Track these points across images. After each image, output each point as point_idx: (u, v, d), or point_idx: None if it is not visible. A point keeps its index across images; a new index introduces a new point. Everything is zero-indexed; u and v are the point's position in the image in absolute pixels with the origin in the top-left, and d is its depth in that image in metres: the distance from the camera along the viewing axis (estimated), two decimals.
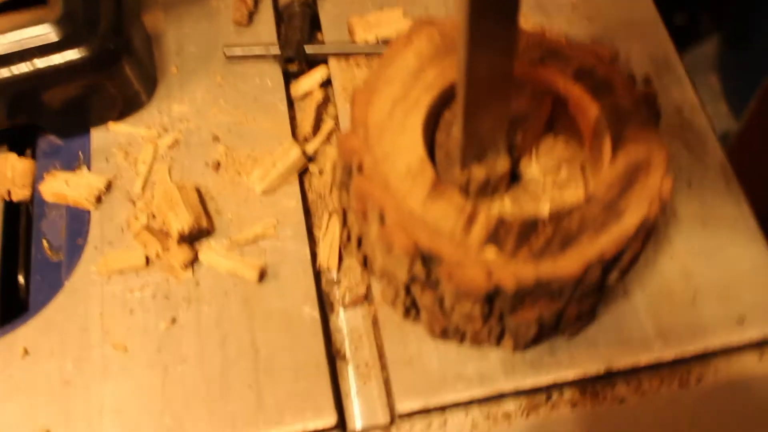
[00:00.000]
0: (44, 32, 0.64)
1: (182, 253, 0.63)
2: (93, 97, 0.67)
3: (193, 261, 0.63)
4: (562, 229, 0.50)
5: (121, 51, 0.66)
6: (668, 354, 0.59)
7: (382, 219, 0.51)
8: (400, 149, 0.53)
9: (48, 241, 0.65)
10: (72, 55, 0.64)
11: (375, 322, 0.62)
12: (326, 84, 0.72)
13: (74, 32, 0.64)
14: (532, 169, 0.59)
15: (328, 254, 0.64)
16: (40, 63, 0.64)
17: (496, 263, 0.49)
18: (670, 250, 0.63)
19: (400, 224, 0.50)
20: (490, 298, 0.50)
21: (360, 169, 0.52)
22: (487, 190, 0.56)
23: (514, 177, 0.59)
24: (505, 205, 0.57)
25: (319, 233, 0.65)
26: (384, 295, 0.60)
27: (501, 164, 0.55)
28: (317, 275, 0.63)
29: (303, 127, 0.69)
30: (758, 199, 0.65)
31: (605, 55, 0.57)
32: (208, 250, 0.63)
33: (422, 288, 0.53)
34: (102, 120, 0.70)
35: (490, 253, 0.49)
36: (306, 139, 0.69)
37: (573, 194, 0.57)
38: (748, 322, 0.60)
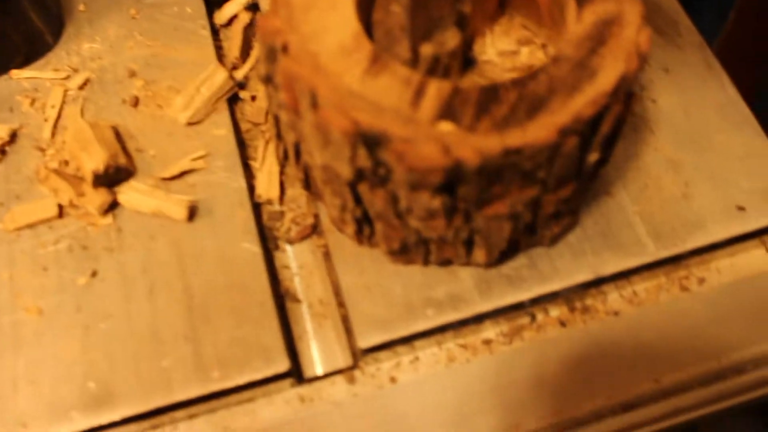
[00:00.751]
0: None
1: (99, 197, 0.54)
2: None
3: (113, 205, 0.55)
4: (528, 94, 0.43)
5: None
6: (663, 253, 0.51)
7: (315, 103, 0.43)
8: (331, 26, 0.46)
9: None
10: None
11: (326, 255, 0.54)
12: (253, 8, 0.65)
13: None
14: (488, 52, 0.52)
15: (267, 184, 0.56)
16: None
17: (454, 136, 0.41)
18: (653, 141, 0.55)
19: (336, 104, 0.42)
20: (451, 184, 0.42)
21: (285, 50, 0.45)
22: (438, 70, 0.48)
23: (468, 62, 0.51)
24: None
25: (255, 164, 0.57)
26: (331, 215, 0.52)
27: (450, 38, 0.48)
28: (256, 208, 0.55)
29: (231, 54, 0.62)
30: None
31: None
32: (129, 191, 0.55)
33: (371, 187, 0.45)
34: (4, 68, 0.62)
35: (446, 126, 0.41)
36: (235, 67, 0.62)
37: None
38: (749, 211, 0.53)
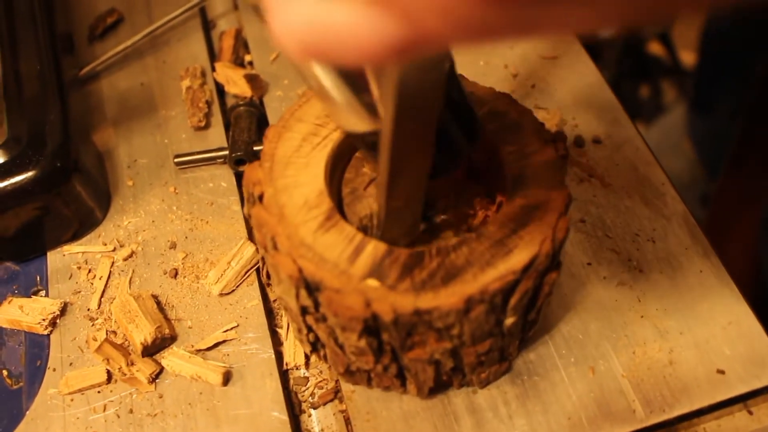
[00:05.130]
0: None
1: (148, 367, 0.61)
2: (47, 218, 0.67)
3: (159, 373, 0.61)
4: (447, 263, 0.49)
5: (70, 169, 0.66)
6: (653, 419, 0.56)
7: (275, 246, 0.51)
8: (301, 182, 0.54)
9: (7, 370, 0.63)
10: (20, 177, 0.64)
11: (347, 421, 0.60)
12: None
13: (21, 155, 0.64)
14: (448, 213, 0.59)
15: (293, 352, 0.62)
16: None
17: (376, 292, 0.48)
18: (641, 309, 0.61)
19: (288, 252, 0.50)
20: (375, 330, 0.50)
21: (260, 199, 0.53)
22: None
23: (428, 220, 0.58)
24: None
25: (282, 332, 0.64)
26: (292, 330, 0.60)
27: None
28: (285, 374, 0.61)
29: None
30: (737, 257, 0.64)
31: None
32: (171, 356, 0.61)
33: (315, 320, 0.53)
34: (58, 241, 0.69)
35: (372, 282, 0.49)
36: None
37: None
38: (732, 378, 0.57)
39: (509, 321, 0.52)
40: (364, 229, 0.56)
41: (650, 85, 1.80)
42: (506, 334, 0.53)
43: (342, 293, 0.48)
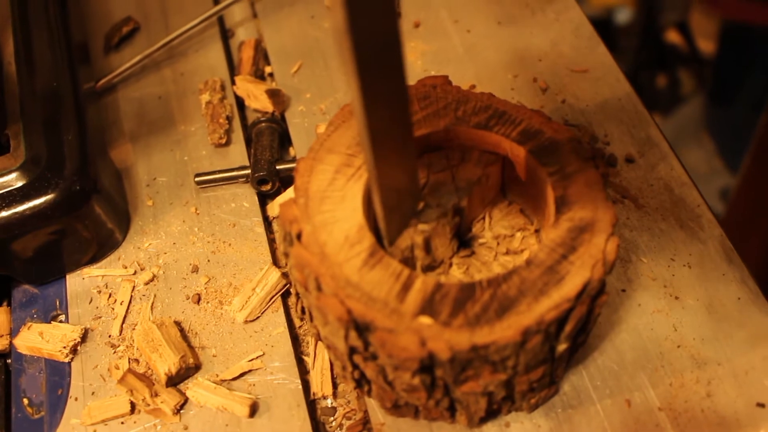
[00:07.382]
0: (8, 180, 0.63)
1: (172, 398, 0.59)
2: (65, 241, 0.65)
3: (184, 404, 0.60)
4: (500, 295, 0.48)
5: (89, 190, 0.65)
6: None
7: (319, 288, 0.50)
8: (339, 217, 0.52)
9: (28, 398, 0.62)
10: (39, 201, 0.62)
11: None
12: None
13: (39, 177, 0.63)
14: (485, 236, 0.57)
15: (320, 381, 0.61)
16: (6, 212, 0.62)
17: (430, 330, 0.47)
18: (677, 338, 0.59)
19: (334, 292, 0.49)
20: (429, 367, 0.48)
21: (299, 237, 0.51)
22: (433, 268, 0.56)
23: (466, 244, 0.57)
24: (452, 273, 0.56)
25: (308, 360, 0.62)
26: (335, 368, 0.59)
27: (443, 252, 0.55)
28: (312, 404, 0.60)
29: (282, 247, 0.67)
30: (756, 254, 0.62)
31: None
32: (196, 387, 0.60)
33: (364, 359, 0.51)
34: (77, 263, 0.67)
35: (425, 320, 0.47)
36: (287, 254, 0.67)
37: None
38: None
39: (562, 347, 0.51)
40: (406, 261, 0.54)
41: (668, 75, 1.77)
42: (556, 359, 0.52)
43: (395, 333, 0.47)
